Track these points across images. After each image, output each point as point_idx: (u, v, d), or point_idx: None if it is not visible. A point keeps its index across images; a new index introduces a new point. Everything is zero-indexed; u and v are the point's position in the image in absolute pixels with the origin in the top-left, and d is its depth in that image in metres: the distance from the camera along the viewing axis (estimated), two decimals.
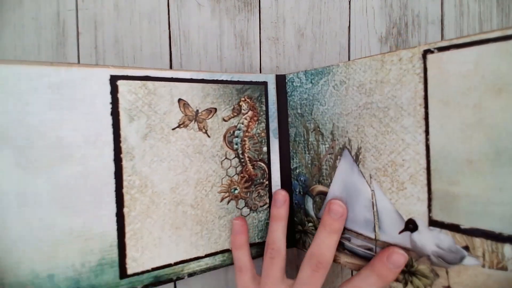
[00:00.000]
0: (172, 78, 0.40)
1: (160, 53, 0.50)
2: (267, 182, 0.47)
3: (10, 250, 0.32)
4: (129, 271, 0.38)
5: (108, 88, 0.36)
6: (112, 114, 0.36)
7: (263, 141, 0.47)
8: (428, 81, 0.33)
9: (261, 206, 0.47)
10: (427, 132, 0.33)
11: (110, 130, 0.36)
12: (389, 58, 0.36)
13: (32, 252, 0.33)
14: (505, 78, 0.27)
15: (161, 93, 0.39)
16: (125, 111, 0.37)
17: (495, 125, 0.28)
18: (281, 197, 0.46)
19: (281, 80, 0.48)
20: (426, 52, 0.33)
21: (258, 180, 0.46)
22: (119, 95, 0.36)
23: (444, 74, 0.31)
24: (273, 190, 0.48)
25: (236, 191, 0.45)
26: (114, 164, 0.36)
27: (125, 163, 0.37)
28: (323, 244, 0.40)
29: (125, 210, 0.37)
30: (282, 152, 0.49)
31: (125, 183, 0.37)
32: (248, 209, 0.46)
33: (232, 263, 0.45)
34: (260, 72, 0.55)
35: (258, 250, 0.47)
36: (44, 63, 0.33)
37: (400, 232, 0.36)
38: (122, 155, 0.37)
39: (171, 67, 0.51)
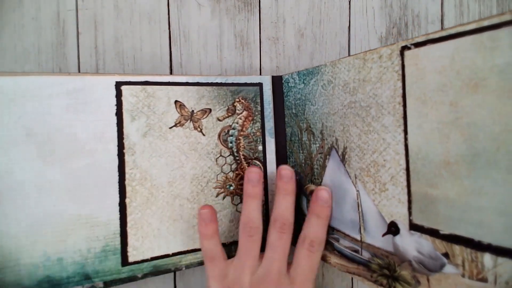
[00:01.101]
0: (169, 82, 0.47)
1: (160, 53, 0.54)
2: (262, 180, 0.51)
3: (27, 232, 0.40)
4: (130, 259, 0.44)
5: (113, 92, 0.44)
6: (116, 114, 0.44)
7: (258, 140, 0.52)
8: (406, 78, 0.34)
9: None
10: (405, 131, 0.34)
11: (114, 128, 0.44)
12: (370, 56, 0.38)
13: (45, 235, 0.40)
14: (480, 73, 0.28)
15: (159, 95, 0.46)
16: (127, 112, 0.44)
17: (472, 124, 0.28)
18: (256, 176, 0.48)
19: (278, 81, 0.53)
20: (403, 49, 0.34)
21: None
22: (123, 98, 0.44)
23: (421, 71, 0.32)
24: (269, 188, 0.52)
25: (231, 188, 0.50)
26: (117, 158, 0.44)
27: (127, 158, 0.44)
28: (282, 206, 0.46)
29: (127, 200, 0.44)
30: (279, 151, 0.53)
31: (127, 176, 0.44)
32: None
33: (228, 257, 0.48)
34: (260, 73, 0.59)
35: None
36: (62, 74, 0.41)
37: (383, 235, 0.38)
38: (124, 150, 0.44)
39: (171, 67, 0.55)
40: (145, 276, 0.45)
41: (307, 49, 0.62)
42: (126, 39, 0.52)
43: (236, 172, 0.51)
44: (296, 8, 0.61)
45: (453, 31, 0.30)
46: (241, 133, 0.51)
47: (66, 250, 0.41)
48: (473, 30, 0.28)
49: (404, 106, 0.35)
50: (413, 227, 0.35)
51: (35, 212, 0.40)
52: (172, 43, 0.55)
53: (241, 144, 0.51)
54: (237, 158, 0.51)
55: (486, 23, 0.27)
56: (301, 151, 0.50)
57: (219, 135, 0.50)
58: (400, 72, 0.35)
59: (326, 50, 0.63)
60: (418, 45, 0.33)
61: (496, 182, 0.28)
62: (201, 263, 0.49)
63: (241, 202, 0.51)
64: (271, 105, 0.52)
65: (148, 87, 0.46)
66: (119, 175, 0.44)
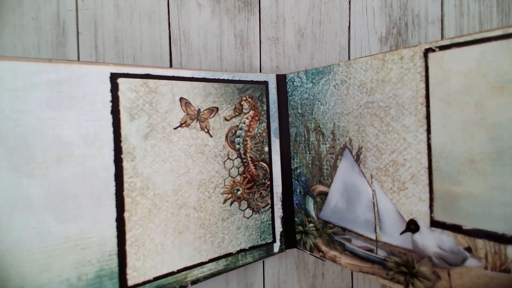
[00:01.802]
0: (173, 76, 0.38)
1: (160, 53, 0.49)
2: (268, 183, 0.46)
3: None
4: (130, 282, 0.35)
5: (108, 86, 0.34)
6: (112, 112, 0.34)
7: (265, 141, 0.45)
8: (430, 79, 0.32)
9: (263, 207, 0.45)
10: (428, 131, 0.32)
11: (110, 129, 0.33)
12: (390, 57, 0.35)
13: (22, 266, 0.29)
14: (507, 76, 0.26)
15: (162, 91, 0.37)
16: (125, 110, 0.34)
17: (497, 124, 0.27)
18: None
19: (281, 80, 0.47)
20: (427, 51, 0.32)
21: (260, 181, 0.45)
22: (120, 93, 0.34)
23: (446, 73, 0.31)
24: (275, 190, 0.46)
25: (239, 192, 0.43)
26: (114, 165, 0.34)
27: (125, 164, 0.34)
28: None
29: (126, 214, 0.34)
30: (283, 152, 0.47)
31: (126, 185, 0.34)
32: (251, 211, 0.44)
33: (235, 267, 0.43)
34: (260, 72, 0.54)
35: (260, 252, 0.45)
36: (42, 60, 0.30)
37: (401, 233, 0.35)
38: (122, 156, 0.34)
39: (171, 67, 0.49)
40: None
41: (307, 49, 0.57)
42: (126, 39, 0.48)
43: (243, 175, 0.44)
44: (296, 8, 0.57)
45: (478, 37, 0.28)
46: (248, 133, 0.44)
47: (50, 281, 0.31)
48: (499, 36, 0.27)
49: (428, 106, 0.32)
50: (434, 224, 0.33)
51: (6, 238, 0.29)
52: (172, 43, 0.50)
53: (248, 146, 0.44)
54: (245, 160, 0.44)
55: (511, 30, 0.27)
56: (307, 152, 0.45)
57: (226, 136, 0.42)
58: (423, 73, 0.33)
59: (326, 50, 0.58)
60: (443, 48, 0.31)
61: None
62: (207, 277, 0.41)
63: (248, 207, 0.44)
64: (276, 105, 0.47)
65: (150, 81, 0.36)
66: (116, 185, 0.34)
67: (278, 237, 0.46)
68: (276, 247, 0.46)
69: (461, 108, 0.30)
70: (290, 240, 0.47)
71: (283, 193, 0.47)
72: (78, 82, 0.32)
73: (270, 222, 0.46)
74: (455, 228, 0.31)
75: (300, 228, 0.47)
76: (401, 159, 0.35)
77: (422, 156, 0.33)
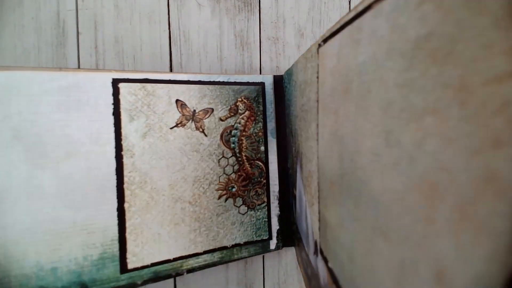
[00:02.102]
0: (170, 80, 0.42)
1: (160, 53, 0.51)
2: (264, 181, 0.48)
3: (17, 241, 0.34)
4: (130, 266, 0.39)
5: (110, 90, 0.38)
6: (113, 114, 0.39)
7: (261, 140, 0.48)
8: (319, 80, 0.27)
9: (259, 205, 0.48)
10: (317, 141, 0.28)
11: (111, 129, 0.38)
12: (309, 54, 0.31)
13: (37, 244, 0.35)
14: (351, 74, 0.20)
15: (159, 94, 0.41)
16: (125, 111, 0.39)
17: (343, 138, 0.21)
18: None
19: (279, 81, 0.49)
20: (319, 46, 0.27)
21: (256, 179, 0.47)
22: (121, 97, 0.39)
23: (325, 71, 0.25)
24: (271, 189, 0.48)
25: (234, 189, 0.46)
26: (115, 161, 0.39)
27: (125, 160, 0.39)
28: None
29: (126, 205, 0.39)
30: (280, 151, 0.49)
31: (125, 179, 0.39)
32: (246, 207, 0.47)
33: (230, 260, 0.45)
34: (260, 72, 0.56)
35: (256, 248, 0.47)
36: (53, 69, 0.36)
37: (313, 253, 0.32)
38: (123, 153, 0.39)
39: (171, 67, 0.51)
40: (145, 282, 0.41)
41: (307, 49, 0.55)
42: (126, 39, 0.49)
43: (239, 173, 0.46)
44: (296, 8, 0.58)
45: (342, 22, 0.21)
46: (244, 133, 0.47)
47: (61, 259, 0.36)
48: (352, 19, 0.20)
49: (317, 112, 0.28)
50: (319, 251, 0.29)
51: (24, 220, 0.35)
52: (172, 43, 0.51)
53: (243, 145, 0.47)
54: (240, 159, 0.46)
55: (360, 7, 0.19)
56: (290, 153, 0.46)
57: (221, 136, 0.45)
58: (318, 73, 0.28)
59: None
60: (326, 40, 0.25)
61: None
62: (202, 267, 0.44)
63: (243, 204, 0.47)
64: (273, 105, 0.48)
65: (148, 85, 0.41)
66: (117, 179, 0.39)
67: (274, 234, 0.48)
68: (273, 244, 0.48)
69: (328, 116, 0.25)
70: (288, 238, 0.50)
71: (280, 192, 0.49)
72: (84, 88, 0.37)
73: (266, 219, 0.48)
74: (326, 262, 0.26)
75: (294, 228, 0.48)
76: (311, 170, 0.31)
77: (317, 169, 0.28)
